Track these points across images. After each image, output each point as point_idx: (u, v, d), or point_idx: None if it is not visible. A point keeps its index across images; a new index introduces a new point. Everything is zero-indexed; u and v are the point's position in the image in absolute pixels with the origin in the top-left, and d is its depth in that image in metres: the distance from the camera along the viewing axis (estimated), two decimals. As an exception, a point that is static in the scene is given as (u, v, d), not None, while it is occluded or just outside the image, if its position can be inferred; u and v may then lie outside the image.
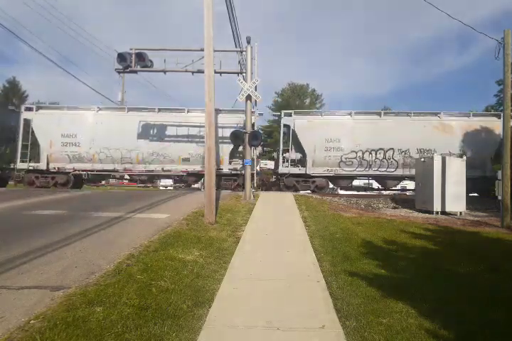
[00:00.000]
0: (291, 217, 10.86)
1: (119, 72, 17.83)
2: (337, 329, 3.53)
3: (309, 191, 19.74)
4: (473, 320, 3.92)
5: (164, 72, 17.12)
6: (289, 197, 15.79)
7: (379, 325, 3.72)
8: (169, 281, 4.72)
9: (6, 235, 7.26)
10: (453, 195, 14.07)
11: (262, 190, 21.46)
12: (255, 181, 18.01)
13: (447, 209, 14.19)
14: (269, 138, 61.58)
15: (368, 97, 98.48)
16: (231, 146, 19.45)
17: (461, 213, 14.21)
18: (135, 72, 17.56)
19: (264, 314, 3.83)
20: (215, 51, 10.63)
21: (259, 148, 19.88)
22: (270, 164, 29.74)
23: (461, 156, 15.10)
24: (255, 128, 17.29)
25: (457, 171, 14.34)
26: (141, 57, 16.59)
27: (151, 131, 20.04)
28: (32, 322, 3.46)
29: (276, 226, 9.22)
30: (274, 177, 22.66)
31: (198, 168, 19.49)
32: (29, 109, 20.15)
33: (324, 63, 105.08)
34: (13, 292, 4.24)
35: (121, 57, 16.50)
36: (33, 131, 19.81)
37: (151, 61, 17.05)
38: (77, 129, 19.80)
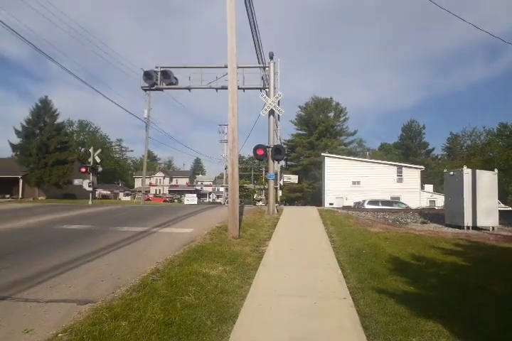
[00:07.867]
0: (315, 231, 10.72)
1: (145, 90, 18.39)
2: (365, 349, 3.42)
3: None
4: (510, 342, 3.72)
5: (189, 89, 17.51)
6: (313, 211, 15.62)
7: (409, 345, 3.58)
8: (193, 296, 4.71)
9: (38, 249, 7.49)
10: (484, 209, 13.56)
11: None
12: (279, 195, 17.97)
13: (479, 224, 13.66)
14: (293, 152, 61.65)
15: (393, 110, 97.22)
16: None
17: (493, 228, 13.65)
18: (161, 89, 18.05)
19: (289, 331, 3.76)
20: (238, 67, 10.84)
21: (282, 162, 19.89)
22: (294, 178, 29.41)
23: (492, 169, 14.61)
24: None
25: (488, 184, 13.86)
26: (166, 74, 17.06)
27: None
28: (60, 335, 3.51)
29: (301, 242, 9.10)
30: None
31: None
32: None
33: (348, 76, 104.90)
34: (42, 305, 4.34)
35: (147, 75, 17.02)
36: None
37: (175, 78, 17.50)
38: None
